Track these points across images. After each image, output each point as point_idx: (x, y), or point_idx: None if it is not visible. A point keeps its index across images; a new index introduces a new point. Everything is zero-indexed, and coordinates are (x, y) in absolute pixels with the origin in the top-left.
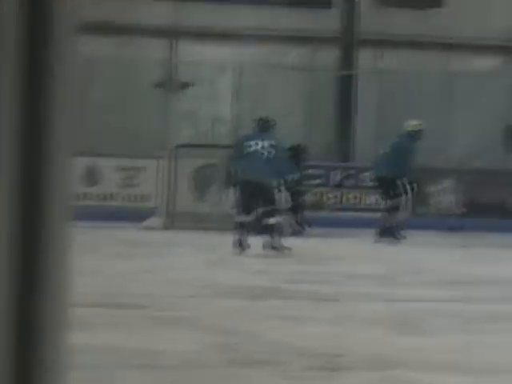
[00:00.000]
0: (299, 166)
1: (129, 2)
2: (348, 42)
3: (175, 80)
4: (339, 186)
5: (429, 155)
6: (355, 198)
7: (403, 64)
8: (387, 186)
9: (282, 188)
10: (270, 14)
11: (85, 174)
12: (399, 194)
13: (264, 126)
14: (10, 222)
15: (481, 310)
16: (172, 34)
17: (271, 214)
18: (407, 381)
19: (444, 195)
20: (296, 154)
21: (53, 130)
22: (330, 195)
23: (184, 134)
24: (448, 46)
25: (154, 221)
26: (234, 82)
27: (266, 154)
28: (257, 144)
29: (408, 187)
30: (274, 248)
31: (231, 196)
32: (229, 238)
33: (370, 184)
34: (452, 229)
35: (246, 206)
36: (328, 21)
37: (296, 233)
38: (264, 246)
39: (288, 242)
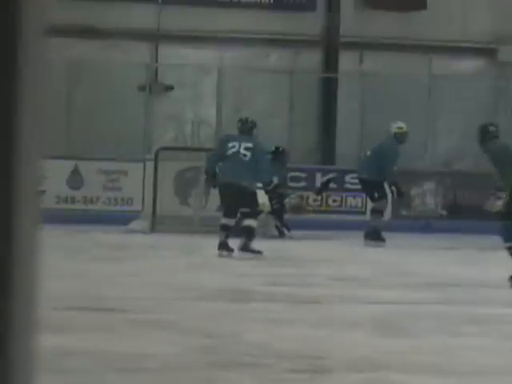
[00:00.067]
0: (281, 169)
1: (111, 5)
2: (331, 45)
3: (158, 83)
4: (321, 191)
5: (411, 158)
6: (338, 200)
7: (386, 66)
8: (371, 188)
9: (262, 191)
10: (252, 17)
11: (69, 178)
12: (383, 196)
13: (244, 128)
14: None
15: (463, 312)
16: (155, 37)
17: (249, 215)
18: (390, 383)
19: (426, 197)
20: (276, 156)
21: (21, 132)
22: (313, 198)
23: (167, 137)
24: (430, 49)
25: (138, 224)
26: (217, 85)
27: (247, 155)
28: (237, 146)
29: (388, 190)
30: (245, 250)
31: (213, 197)
32: (213, 241)
33: (354, 186)
34: (433, 231)
35: (228, 208)
36: (311, 23)
37: (279, 235)
38: (238, 248)
39: (271, 244)
